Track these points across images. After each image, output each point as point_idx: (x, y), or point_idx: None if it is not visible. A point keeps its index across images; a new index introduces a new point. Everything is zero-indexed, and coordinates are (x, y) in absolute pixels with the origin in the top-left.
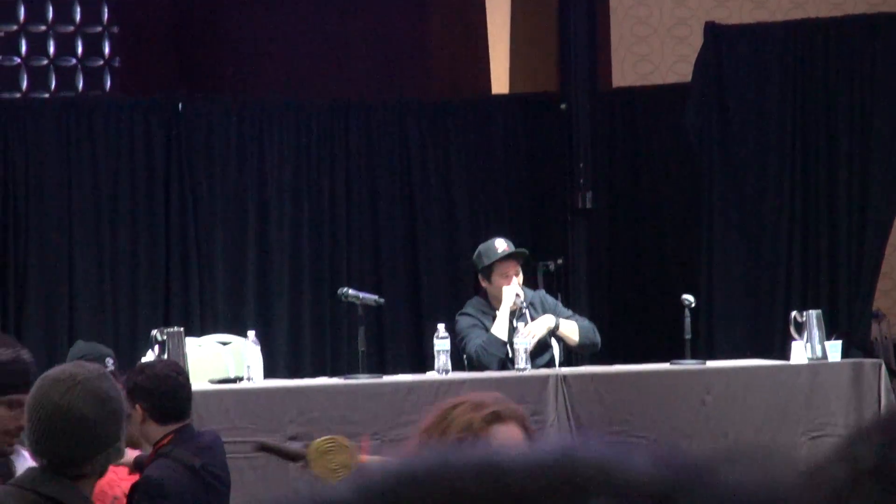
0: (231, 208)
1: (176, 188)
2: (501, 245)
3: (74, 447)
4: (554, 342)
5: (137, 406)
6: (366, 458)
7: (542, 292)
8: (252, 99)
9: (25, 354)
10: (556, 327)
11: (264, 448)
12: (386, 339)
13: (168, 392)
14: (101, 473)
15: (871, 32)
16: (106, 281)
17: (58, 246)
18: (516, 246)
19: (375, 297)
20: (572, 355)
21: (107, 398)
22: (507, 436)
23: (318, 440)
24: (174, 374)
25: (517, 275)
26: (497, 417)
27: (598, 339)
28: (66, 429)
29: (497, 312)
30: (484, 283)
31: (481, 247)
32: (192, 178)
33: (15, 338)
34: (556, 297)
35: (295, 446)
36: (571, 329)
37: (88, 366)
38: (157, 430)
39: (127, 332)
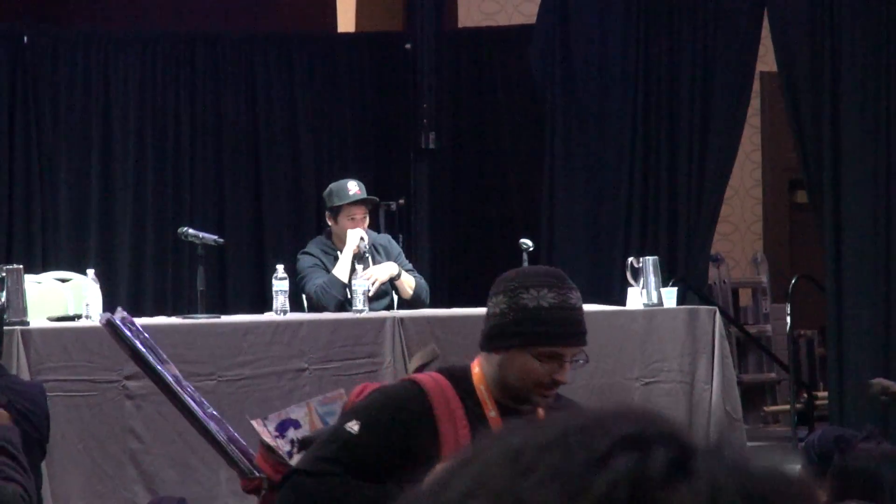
0: (75, 141)
1: (21, 120)
2: (353, 188)
3: None
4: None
5: None
6: None
7: (387, 237)
8: (98, 30)
9: None
10: (398, 276)
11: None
12: (228, 278)
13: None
14: None
15: None
16: None
17: None
18: (362, 186)
19: (215, 237)
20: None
21: None
22: None
23: None
24: None
25: (364, 220)
26: None
27: (428, 299)
28: None
29: (339, 254)
30: (330, 222)
31: (333, 185)
32: (37, 111)
33: None
34: (399, 239)
35: None
36: (409, 282)
37: None
38: None
39: None
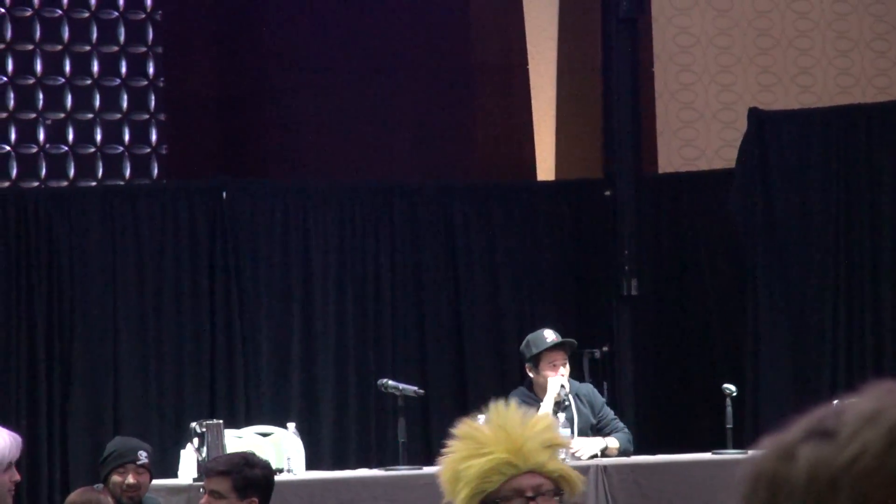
0: (276, 295)
1: (221, 274)
2: (550, 335)
3: None
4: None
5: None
6: None
7: (590, 387)
8: (296, 183)
9: None
10: (605, 448)
11: None
12: (432, 429)
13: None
14: None
15: None
16: (150, 369)
17: (102, 334)
18: (562, 334)
19: (415, 388)
20: None
21: None
22: None
23: None
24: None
25: (564, 365)
26: None
27: (633, 448)
28: None
29: (541, 403)
30: (531, 373)
31: (530, 336)
32: (236, 265)
33: None
34: (603, 386)
35: None
36: (614, 446)
37: None
38: None
39: (172, 420)
